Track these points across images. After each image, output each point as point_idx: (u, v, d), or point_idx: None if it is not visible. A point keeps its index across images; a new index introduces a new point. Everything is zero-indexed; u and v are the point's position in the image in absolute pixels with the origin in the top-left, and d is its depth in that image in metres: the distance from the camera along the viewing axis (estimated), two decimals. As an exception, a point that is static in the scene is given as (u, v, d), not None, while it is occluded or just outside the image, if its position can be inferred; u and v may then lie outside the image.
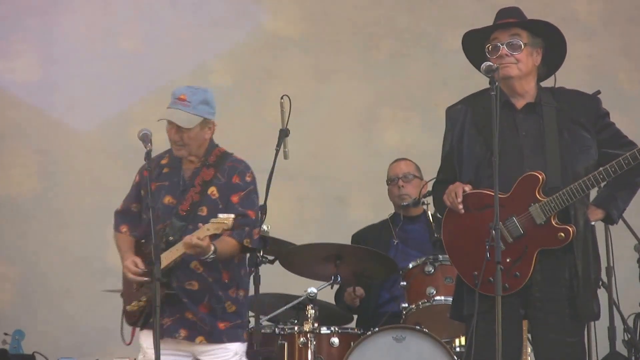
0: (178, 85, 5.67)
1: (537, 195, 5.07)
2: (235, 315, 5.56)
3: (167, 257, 5.34)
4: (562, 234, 5.05)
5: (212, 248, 5.32)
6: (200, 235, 5.24)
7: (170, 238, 5.43)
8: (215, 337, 5.49)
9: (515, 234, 5.09)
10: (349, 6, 8.95)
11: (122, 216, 5.74)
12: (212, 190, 5.53)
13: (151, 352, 5.30)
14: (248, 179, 5.60)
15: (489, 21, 5.36)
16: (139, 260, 5.51)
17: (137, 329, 5.62)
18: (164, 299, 5.27)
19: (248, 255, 5.71)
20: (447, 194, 5.21)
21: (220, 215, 5.24)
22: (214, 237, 5.34)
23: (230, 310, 5.54)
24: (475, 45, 5.29)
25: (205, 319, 5.47)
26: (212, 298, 5.49)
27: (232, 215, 5.23)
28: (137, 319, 5.57)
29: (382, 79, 8.87)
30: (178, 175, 5.60)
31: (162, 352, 5.35)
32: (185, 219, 5.42)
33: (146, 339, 5.52)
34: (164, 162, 5.62)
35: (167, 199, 5.49)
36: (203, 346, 5.50)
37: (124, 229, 5.71)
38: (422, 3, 8.99)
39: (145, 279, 5.44)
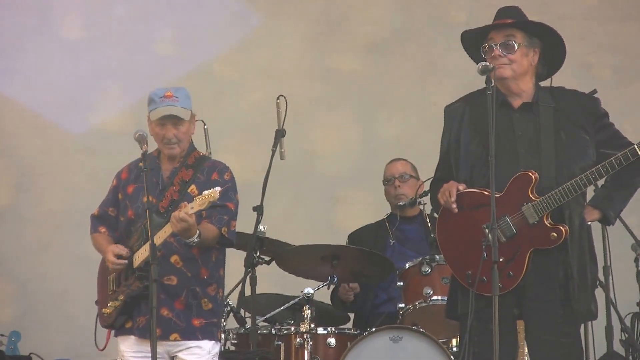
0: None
1: (530, 195, 5.07)
2: (211, 313, 5.58)
3: (157, 239, 5.35)
4: (555, 234, 5.05)
5: (197, 231, 5.35)
6: (187, 211, 5.26)
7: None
8: (190, 334, 5.52)
9: (508, 233, 5.09)
10: (345, 5, 8.94)
11: (99, 219, 5.79)
12: (192, 189, 5.59)
13: (128, 356, 5.50)
14: (227, 177, 5.66)
15: (485, 20, 5.36)
16: (123, 247, 5.57)
17: (112, 333, 5.65)
18: (141, 292, 5.39)
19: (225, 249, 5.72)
20: (441, 192, 5.22)
21: (205, 192, 5.25)
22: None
23: (207, 308, 5.56)
24: (475, 44, 5.30)
25: (180, 316, 5.50)
26: (189, 294, 5.53)
27: (218, 188, 5.25)
28: (112, 320, 5.59)
29: (379, 78, 8.86)
30: (157, 175, 5.64)
31: (136, 354, 5.50)
32: (164, 215, 5.45)
33: (123, 342, 5.59)
34: (141, 165, 5.62)
35: (146, 198, 5.49)
36: (177, 342, 5.51)
37: (102, 229, 5.76)
38: (418, 2, 8.98)
39: (125, 261, 5.51)
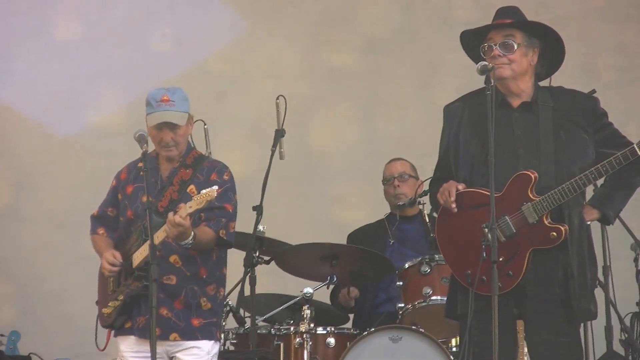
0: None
1: (530, 195, 5.07)
2: (211, 313, 5.58)
3: (156, 238, 5.35)
4: (555, 234, 5.04)
5: (192, 233, 5.35)
6: (182, 214, 5.26)
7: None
8: (189, 334, 5.52)
9: (508, 233, 5.09)
10: (346, 5, 8.94)
11: (99, 220, 5.79)
12: (192, 189, 5.58)
13: (128, 355, 5.51)
14: (225, 177, 5.66)
15: (486, 20, 5.36)
16: (117, 254, 5.57)
17: (112, 333, 5.65)
18: (141, 292, 5.41)
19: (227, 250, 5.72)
20: (440, 192, 5.22)
21: (203, 191, 5.25)
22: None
23: (206, 308, 5.56)
24: (474, 44, 5.29)
25: (179, 315, 5.51)
26: (189, 293, 5.53)
27: (216, 187, 5.24)
28: (112, 320, 5.60)
29: (379, 78, 8.87)
30: (155, 175, 5.64)
31: (136, 354, 5.51)
32: (163, 215, 5.44)
33: (123, 342, 5.60)
34: (140, 165, 5.62)
35: (145, 198, 5.50)
36: (177, 342, 5.52)
37: (101, 230, 5.76)
38: (418, 2, 8.98)
39: (118, 269, 5.53)
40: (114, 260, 5.54)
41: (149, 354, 5.13)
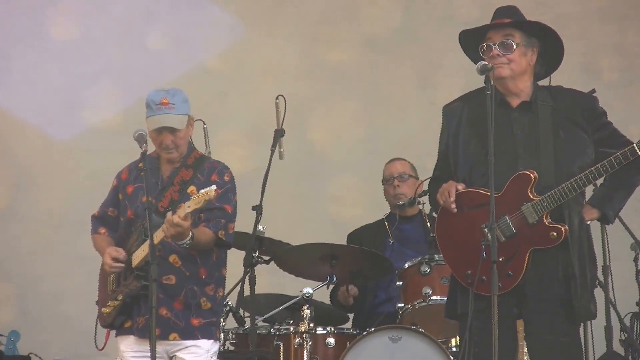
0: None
1: (530, 195, 5.06)
2: (210, 312, 5.58)
3: (155, 238, 5.34)
4: (555, 234, 5.04)
5: (190, 234, 5.34)
6: (180, 214, 5.25)
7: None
8: (189, 334, 5.52)
9: (508, 233, 5.08)
10: (345, 4, 8.94)
11: (100, 220, 5.79)
12: (192, 189, 5.58)
13: (128, 356, 5.52)
14: (226, 178, 5.65)
15: (486, 19, 5.36)
16: (121, 249, 5.57)
17: (111, 333, 5.65)
18: (140, 292, 5.40)
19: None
20: (440, 192, 5.21)
21: (201, 191, 5.24)
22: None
23: (205, 307, 5.56)
24: (473, 44, 5.29)
25: (179, 315, 5.51)
26: (188, 293, 5.53)
27: (214, 187, 5.23)
28: (112, 319, 5.60)
29: (379, 77, 8.86)
30: (156, 176, 5.64)
31: (136, 354, 5.51)
32: (163, 215, 5.43)
33: (123, 341, 5.60)
34: (140, 165, 5.61)
35: (145, 198, 5.49)
36: (176, 341, 5.52)
37: (102, 230, 5.76)
38: (418, 2, 8.98)
39: (122, 265, 5.52)
40: (117, 255, 5.53)
41: (149, 354, 5.13)
